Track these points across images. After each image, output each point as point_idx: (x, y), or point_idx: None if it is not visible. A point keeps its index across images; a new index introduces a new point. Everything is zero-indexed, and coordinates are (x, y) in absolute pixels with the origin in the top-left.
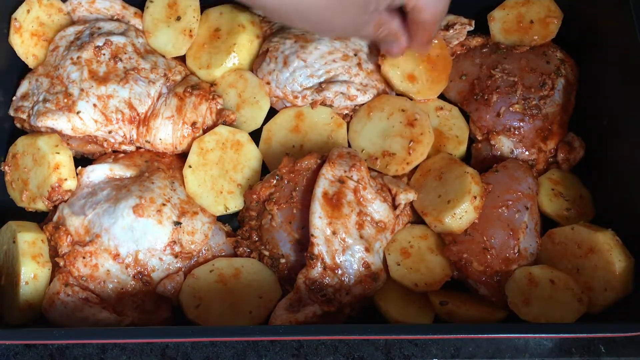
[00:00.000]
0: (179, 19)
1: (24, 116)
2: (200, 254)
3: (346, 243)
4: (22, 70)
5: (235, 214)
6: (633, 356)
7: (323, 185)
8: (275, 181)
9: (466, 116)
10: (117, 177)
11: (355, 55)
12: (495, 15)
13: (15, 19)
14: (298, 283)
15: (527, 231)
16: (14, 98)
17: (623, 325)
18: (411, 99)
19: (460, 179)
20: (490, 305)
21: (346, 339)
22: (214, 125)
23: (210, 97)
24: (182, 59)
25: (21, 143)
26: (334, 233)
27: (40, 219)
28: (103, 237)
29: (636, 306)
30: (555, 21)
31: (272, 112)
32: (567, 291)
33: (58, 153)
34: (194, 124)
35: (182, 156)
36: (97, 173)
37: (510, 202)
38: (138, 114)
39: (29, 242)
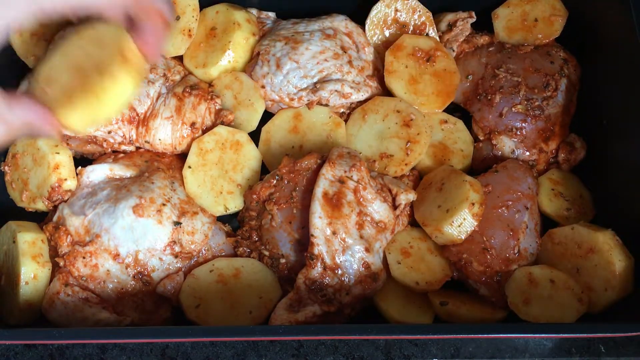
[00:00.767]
0: (178, 18)
1: None
2: (200, 254)
3: (346, 243)
4: (22, 70)
5: (235, 214)
6: (633, 356)
7: (323, 185)
8: (275, 181)
9: (469, 117)
10: (117, 177)
11: (345, 52)
12: (499, 13)
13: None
14: (298, 283)
15: (527, 231)
16: None
17: (623, 325)
18: None
19: (459, 187)
20: (490, 306)
21: (346, 338)
22: (213, 125)
23: (209, 97)
24: (180, 59)
25: (21, 143)
26: (334, 233)
27: (40, 219)
28: (103, 237)
29: (636, 306)
30: (560, 20)
31: (267, 115)
32: (567, 291)
33: (58, 153)
34: (193, 125)
35: (182, 156)
36: (97, 173)
37: (510, 202)
38: (137, 114)
39: (29, 242)
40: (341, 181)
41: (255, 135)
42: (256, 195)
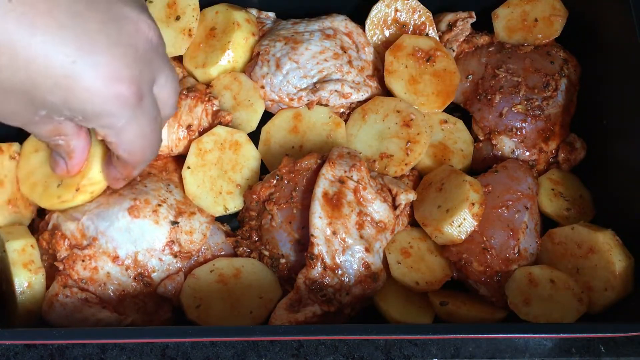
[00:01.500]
0: (178, 18)
1: None
2: (200, 254)
3: (346, 243)
4: None
5: (235, 214)
6: (633, 356)
7: (323, 185)
8: (275, 181)
9: (469, 117)
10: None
11: (345, 52)
12: (499, 13)
13: None
14: (298, 283)
15: (527, 231)
16: None
17: (623, 325)
18: None
19: (459, 187)
20: (490, 306)
21: (346, 339)
22: (210, 126)
23: (206, 98)
24: (179, 59)
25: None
26: (334, 233)
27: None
28: (100, 240)
29: (636, 306)
30: (560, 19)
31: (266, 115)
32: (567, 291)
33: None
34: (189, 127)
35: (178, 158)
36: None
37: (510, 202)
38: None
39: (18, 250)
40: (341, 181)
41: (255, 136)
42: (256, 195)
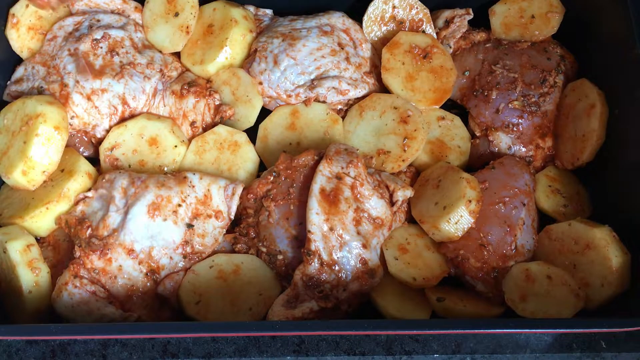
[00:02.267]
0: (177, 14)
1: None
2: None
3: (343, 239)
4: (16, 63)
5: None
6: (633, 351)
7: (320, 181)
8: (272, 178)
9: (466, 114)
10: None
11: (342, 49)
12: (496, 10)
13: (14, 14)
14: (295, 279)
15: (524, 227)
16: (8, 82)
17: (623, 320)
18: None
19: (456, 184)
20: (487, 302)
21: (348, 334)
22: (213, 121)
23: (207, 93)
24: (178, 55)
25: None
26: (331, 229)
27: None
28: (120, 232)
29: (636, 301)
30: (557, 16)
31: (264, 112)
32: (564, 287)
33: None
34: (193, 123)
35: None
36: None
37: (507, 199)
38: (130, 110)
39: (20, 250)
40: (338, 177)
41: (252, 132)
42: (253, 192)
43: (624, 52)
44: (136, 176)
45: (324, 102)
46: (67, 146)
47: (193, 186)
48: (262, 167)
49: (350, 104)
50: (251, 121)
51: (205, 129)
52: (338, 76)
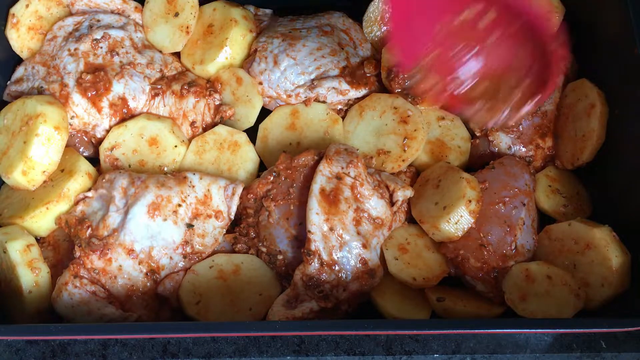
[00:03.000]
0: (177, 14)
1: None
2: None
3: (343, 239)
4: (16, 63)
5: None
6: (634, 351)
7: (320, 181)
8: (272, 178)
9: None
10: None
11: (342, 49)
12: None
13: (14, 14)
14: (295, 279)
15: (524, 227)
16: (8, 82)
17: (624, 320)
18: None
19: (456, 184)
20: (487, 302)
21: (348, 334)
22: (213, 121)
23: (207, 93)
24: (178, 55)
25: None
26: (331, 229)
27: None
28: (120, 232)
29: (636, 301)
30: (557, 16)
31: (264, 111)
32: (564, 287)
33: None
34: (193, 123)
35: None
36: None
37: (507, 199)
38: (130, 110)
39: (20, 250)
40: (338, 177)
41: (252, 132)
42: (253, 192)
43: (624, 52)
44: (136, 176)
45: (324, 102)
46: (67, 146)
47: (193, 186)
48: (262, 167)
49: (350, 104)
50: (251, 121)
51: (205, 129)
52: (338, 76)
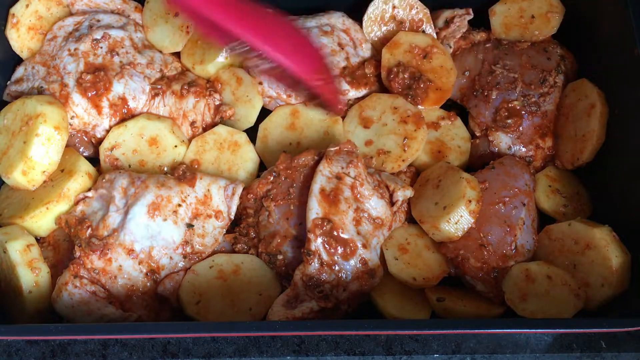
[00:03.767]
0: (177, 14)
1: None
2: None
3: None
4: (16, 63)
5: None
6: (634, 351)
7: (320, 181)
8: (272, 178)
9: (466, 114)
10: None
11: (342, 49)
12: (496, 10)
13: (14, 14)
14: (295, 279)
15: (524, 227)
16: (8, 82)
17: (624, 320)
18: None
19: (456, 184)
20: (487, 302)
21: (348, 334)
22: (213, 121)
23: (207, 93)
24: (178, 55)
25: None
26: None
27: None
28: (120, 232)
29: (636, 301)
30: (557, 16)
31: (264, 111)
32: (563, 287)
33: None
34: (193, 123)
35: None
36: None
37: (507, 199)
38: (130, 110)
39: (20, 250)
40: (338, 177)
41: (252, 132)
42: (253, 192)
43: (624, 52)
44: (136, 176)
45: None
46: (67, 146)
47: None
48: (262, 167)
49: (350, 104)
50: (251, 121)
51: (205, 129)
52: (338, 76)
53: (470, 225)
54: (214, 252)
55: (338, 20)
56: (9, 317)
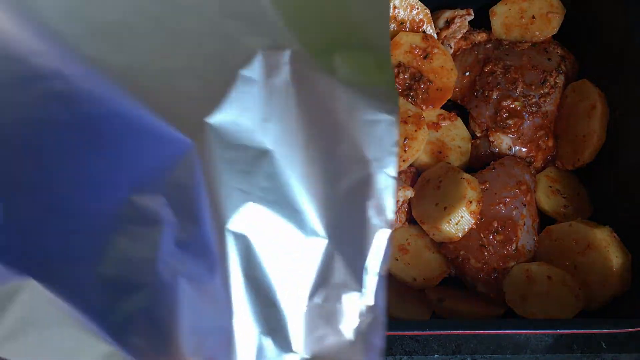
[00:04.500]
0: None
1: None
2: None
3: None
4: None
5: None
6: (634, 352)
7: None
8: None
9: (466, 114)
10: None
11: None
12: (497, 10)
13: None
14: None
15: (524, 228)
16: None
17: (624, 321)
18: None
19: (457, 185)
20: (487, 302)
21: None
22: None
23: None
24: None
25: None
26: None
27: None
28: None
29: (637, 302)
30: (557, 17)
31: None
32: (564, 287)
33: None
34: None
35: None
36: None
37: (507, 199)
38: None
39: None
40: None
41: None
42: None
43: (624, 52)
44: None
45: None
46: None
47: None
48: None
49: None
50: None
51: None
52: None
53: (470, 226)
54: None
55: None
56: None
